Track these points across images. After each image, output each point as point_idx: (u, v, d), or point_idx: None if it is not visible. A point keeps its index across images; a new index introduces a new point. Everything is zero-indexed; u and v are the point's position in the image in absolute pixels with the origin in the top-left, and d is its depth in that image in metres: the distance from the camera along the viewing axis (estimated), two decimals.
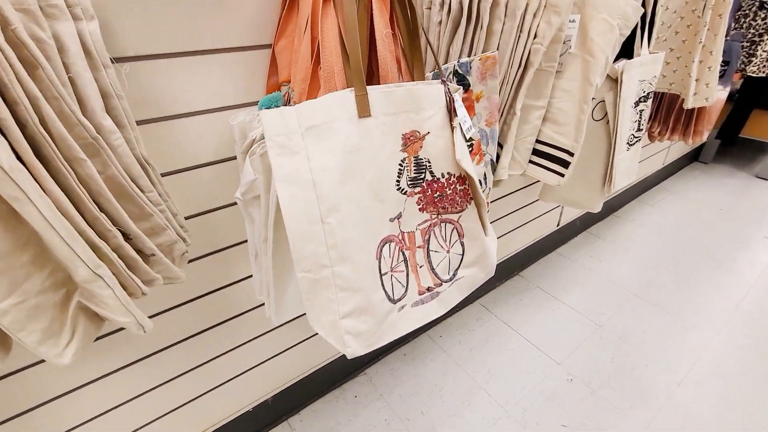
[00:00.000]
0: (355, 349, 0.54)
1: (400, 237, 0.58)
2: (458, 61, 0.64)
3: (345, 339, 0.53)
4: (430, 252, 0.61)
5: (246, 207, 0.63)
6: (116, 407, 0.83)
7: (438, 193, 0.59)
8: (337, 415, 1.20)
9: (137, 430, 0.88)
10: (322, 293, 0.52)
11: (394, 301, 0.58)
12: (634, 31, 0.98)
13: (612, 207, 2.12)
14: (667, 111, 1.50)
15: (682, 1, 1.20)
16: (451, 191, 0.59)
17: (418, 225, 0.60)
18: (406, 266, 0.59)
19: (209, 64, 0.65)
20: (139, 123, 0.62)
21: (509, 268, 1.69)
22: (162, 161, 0.67)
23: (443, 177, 0.58)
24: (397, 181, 0.56)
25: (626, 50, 1.01)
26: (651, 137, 1.61)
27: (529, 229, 1.64)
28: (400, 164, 0.56)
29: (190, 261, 0.79)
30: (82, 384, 0.76)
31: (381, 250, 0.56)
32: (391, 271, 0.57)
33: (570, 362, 1.34)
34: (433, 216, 0.60)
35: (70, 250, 0.39)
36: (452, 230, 0.62)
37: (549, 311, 1.55)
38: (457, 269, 0.64)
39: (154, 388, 0.86)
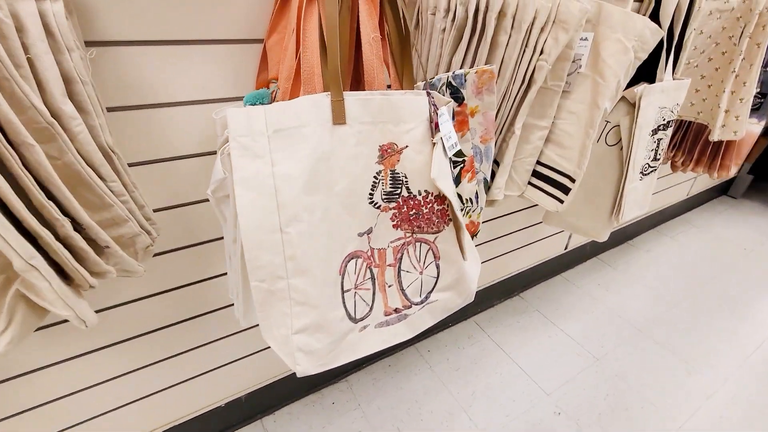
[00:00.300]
0: (305, 368, 0.51)
1: (369, 253, 0.55)
2: (453, 73, 0.60)
3: (296, 356, 0.51)
4: (402, 272, 0.58)
5: (217, 205, 0.61)
6: (82, 390, 0.82)
7: (414, 210, 0.55)
8: (311, 420, 1.18)
9: (103, 414, 0.87)
10: (277, 305, 0.50)
11: (355, 320, 0.55)
12: (657, 54, 0.92)
13: (627, 234, 2.03)
14: (693, 141, 1.41)
15: (718, 25, 1.13)
16: (427, 210, 0.55)
17: (391, 242, 0.56)
18: (374, 284, 0.56)
19: (198, 55, 0.63)
20: (119, 109, 0.61)
21: (509, 288, 1.63)
22: (140, 150, 0.65)
23: (420, 194, 0.54)
24: (371, 194, 0.53)
25: (648, 73, 0.95)
26: (674, 167, 1.53)
27: (534, 250, 1.58)
28: (375, 177, 0.52)
29: (167, 252, 0.77)
30: (47, 364, 0.76)
31: (346, 266, 0.53)
32: (355, 288, 0.54)
33: (560, 394, 1.28)
34: (408, 234, 0.56)
35: (2, 239, 0.37)
36: (427, 251, 0.58)
37: (545, 337, 1.49)
38: (430, 292, 0.60)
39: (122, 375, 0.86)
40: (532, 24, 0.62)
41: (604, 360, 1.40)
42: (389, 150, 0.52)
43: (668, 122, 0.98)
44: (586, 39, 0.67)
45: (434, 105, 0.53)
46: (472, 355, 1.41)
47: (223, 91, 0.68)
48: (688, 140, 1.42)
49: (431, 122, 0.53)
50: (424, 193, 0.54)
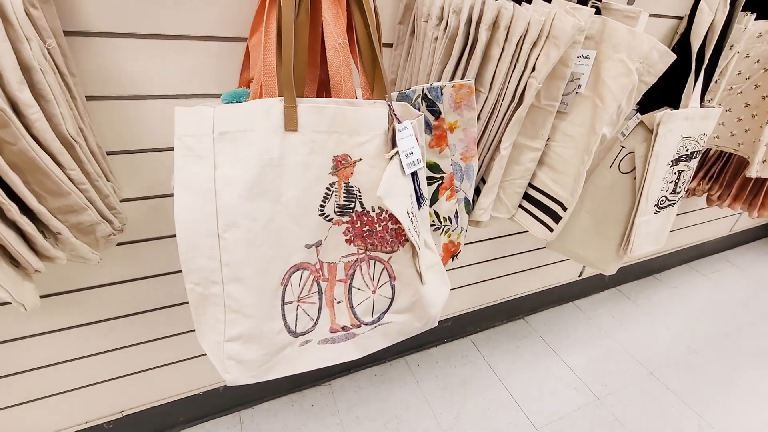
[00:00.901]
0: (235, 377, 0.50)
1: (317, 266, 0.53)
2: (430, 85, 0.57)
3: (226, 364, 0.49)
4: (353, 288, 0.55)
5: None
6: (66, 361, 0.86)
7: (367, 227, 0.52)
8: (287, 420, 1.18)
9: (82, 387, 0.91)
10: (210, 311, 0.49)
11: (295, 334, 0.53)
12: (684, 77, 0.83)
13: (652, 268, 1.88)
14: (732, 175, 1.28)
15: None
16: (381, 228, 0.52)
17: (343, 257, 0.54)
18: (320, 299, 0.54)
19: (182, 50, 0.64)
20: (99, 99, 0.63)
21: (513, 310, 1.56)
22: (120, 140, 0.67)
23: (373, 211, 0.52)
24: (321, 206, 0.51)
25: (674, 98, 0.87)
26: (709, 201, 1.40)
27: (543, 273, 1.50)
28: (327, 188, 0.50)
29: (147, 240, 0.79)
30: (36, 333, 0.79)
31: (289, 277, 0.51)
32: (298, 300, 0.52)
33: (550, 430, 1.20)
34: (361, 251, 0.54)
35: None
36: (382, 270, 0.55)
37: (544, 367, 1.40)
38: (383, 313, 0.57)
39: (104, 352, 0.89)
40: (524, 38, 0.58)
41: (605, 400, 1.30)
42: (343, 161, 0.49)
43: (692, 153, 0.89)
44: (587, 57, 0.61)
45: (396, 118, 0.50)
46: (462, 375, 1.35)
47: (206, 88, 0.68)
48: (727, 173, 1.29)
49: (392, 136, 0.50)
50: (377, 210, 0.51)
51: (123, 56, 0.61)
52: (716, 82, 1.02)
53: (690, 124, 0.83)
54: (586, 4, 0.61)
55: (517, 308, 1.56)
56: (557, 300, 1.65)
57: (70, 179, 0.51)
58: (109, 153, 0.66)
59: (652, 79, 0.60)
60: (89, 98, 0.62)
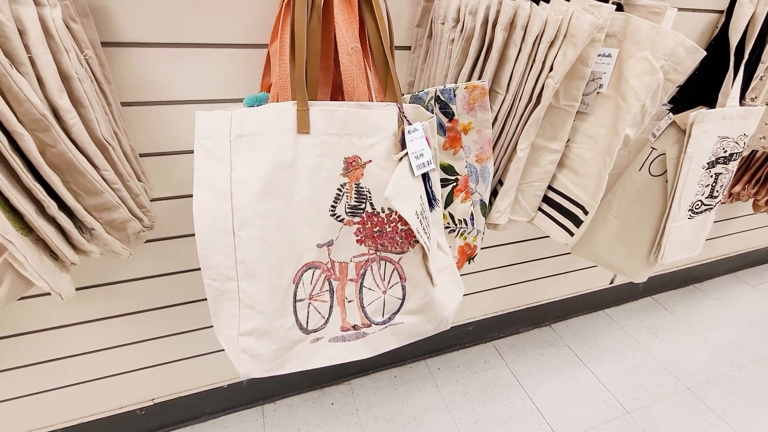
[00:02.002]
0: (249, 370, 0.52)
1: (329, 265, 0.54)
2: (443, 86, 0.57)
3: (240, 357, 0.51)
4: (363, 288, 0.56)
5: None
6: (101, 350, 0.92)
7: (377, 228, 0.53)
8: (307, 416, 1.20)
9: (115, 375, 0.97)
10: (226, 306, 0.51)
11: (306, 331, 0.54)
12: (722, 75, 0.79)
13: (694, 275, 1.77)
14: None
15: None
16: (390, 229, 0.53)
17: (354, 257, 0.55)
18: (332, 297, 0.55)
19: (209, 57, 0.67)
20: (131, 104, 0.67)
21: (539, 316, 1.51)
22: (152, 142, 0.71)
23: (383, 212, 0.52)
24: (333, 206, 0.52)
25: (711, 96, 0.82)
26: (755, 206, 1.31)
27: (571, 279, 1.45)
28: (339, 189, 0.51)
29: (175, 237, 0.83)
30: (72, 322, 0.86)
31: (301, 275, 0.53)
32: (310, 298, 0.54)
33: None
34: (372, 251, 0.55)
35: None
36: (392, 271, 0.56)
37: (571, 377, 1.35)
38: (394, 313, 0.58)
39: (134, 343, 0.94)
40: (540, 37, 0.56)
41: (636, 414, 1.24)
42: (354, 163, 0.50)
43: (731, 155, 0.83)
44: (609, 55, 0.59)
45: (406, 119, 0.50)
46: (484, 381, 1.33)
47: (231, 92, 0.71)
48: None
49: (401, 137, 0.50)
50: (387, 211, 0.52)
51: (156, 64, 0.65)
52: (761, 78, 0.95)
53: (728, 124, 0.78)
54: (607, 1, 0.59)
55: (543, 315, 1.52)
56: (586, 308, 1.59)
57: (104, 179, 0.55)
58: (142, 155, 0.71)
59: (680, 77, 0.57)
60: (124, 104, 0.66)
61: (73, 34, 0.51)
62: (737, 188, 1.26)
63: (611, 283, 1.55)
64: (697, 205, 0.87)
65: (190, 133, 0.72)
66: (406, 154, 0.49)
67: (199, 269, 0.89)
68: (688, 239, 0.91)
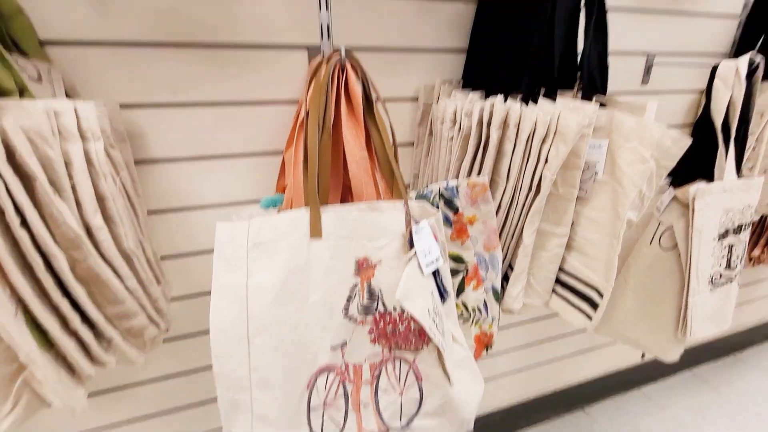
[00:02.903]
0: None
1: (343, 368, 0.53)
2: (446, 183, 0.60)
3: None
4: (379, 391, 0.54)
5: None
6: None
7: (391, 326, 0.53)
8: None
9: None
10: (239, 417, 0.49)
11: None
12: (713, 150, 0.82)
13: (732, 344, 1.66)
14: None
15: None
16: (404, 328, 0.53)
17: (368, 358, 0.54)
18: (347, 403, 0.53)
19: (227, 166, 0.74)
20: (159, 212, 0.72)
21: (570, 399, 1.40)
22: (173, 245, 0.75)
23: (395, 311, 0.52)
24: (346, 307, 0.52)
25: (706, 168, 0.85)
26: None
27: (601, 356, 1.36)
28: (351, 289, 0.53)
29: (190, 336, 0.83)
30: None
31: (315, 380, 0.52)
32: (324, 405, 0.52)
33: None
34: (386, 351, 0.54)
35: (10, 336, 0.44)
36: (408, 370, 0.54)
37: None
38: (412, 417, 0.55)
39: None
40: (533, 135, 0.61)
41: None
42: (365, 264, 0.52)
43: (740, 226, 0.83)
44: (599, 146, 0.63)
45: (413, 219, 0.53)
46: None
47: (247, 195, 0.77)
48: None
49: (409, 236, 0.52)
50: (399, 310, 0.52)
51: (181, 176, 0.71)
52: (754, 149, 0.99)
53: (730, 196, 0.80)
54: (590, 100, 0.64)
55: (574, 398, 1.41)
56: (620, 387, 1.48)
57: (126, 288, 0.58)
58: (162, 257, 0.74)
59: (671, 163, 0.60)
60: (150, 212, 0.71)
61: (111, 160, 0.57)
62: (756, 252, 1.23)
63: (643, 357, 1.45)
64: (716, 277, 0.85)
65: (208, 234, 0.77)
66: (415, 254, 0.50)
67: (211, 367, 0.88)
68: (714, 313, 0.87)
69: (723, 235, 0.83)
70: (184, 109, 0.67)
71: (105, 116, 0.56)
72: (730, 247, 0.84)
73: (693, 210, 0.78)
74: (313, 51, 0.70)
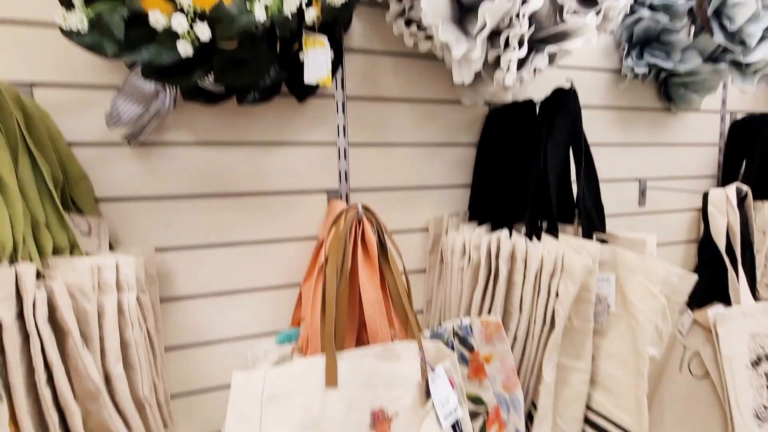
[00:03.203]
0: None
1: None
2: (460, 322, 0.61)
3: None
4: None
5: None
6: None
7: None
8: None
9: None
10: None
11: None
12: (722, 268, 0.83)
13: None
14: None
15: None
16: None
17: None
18: None
19: (245, 300, 0.76)
20: (173, 348, 0.73)
21: None
22: (183, 383, 0.74)
23: None
24: None
25: (719, 288, 0.84)
26: None
27: None
28: None
29: None
30: None
31: None
32: None
33: None
34: None
35: None
36: None
37: None
38: None
39: None
40: (541, 271, 0.64)
41: None
42: (380, 416, 0.51)
43: None
44: (607, 279, 0.65)
45: (430, 366, 0.53)
46: None
47: (264, 327, 0.78)
48: None
49: (425, 386, 0.52)
50: None
51: (202, 311, 0.73)
52: (765, 266, 0.99)
53: (754, 321, 0.78)
54: (591, 238, 0.68)
55: None
56: None
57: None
58: (173, 395, 0.73)
59: (682, 298, 0.61)
60: (168, 348, 0.72)
61: (140, 305, 0.61)
62: None
63: None
64: (760, 410, 0.78)
65: (221, 370, 0.76)
66: (433, 406, 0.49)
67: None
68: None
69: (756, 363, 0.78)
70: (212, 249, 0.73)
71: (141, 266, 0.61)
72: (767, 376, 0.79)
73: (717, 336, 0.75)
74: (332, 194, 0.78)
